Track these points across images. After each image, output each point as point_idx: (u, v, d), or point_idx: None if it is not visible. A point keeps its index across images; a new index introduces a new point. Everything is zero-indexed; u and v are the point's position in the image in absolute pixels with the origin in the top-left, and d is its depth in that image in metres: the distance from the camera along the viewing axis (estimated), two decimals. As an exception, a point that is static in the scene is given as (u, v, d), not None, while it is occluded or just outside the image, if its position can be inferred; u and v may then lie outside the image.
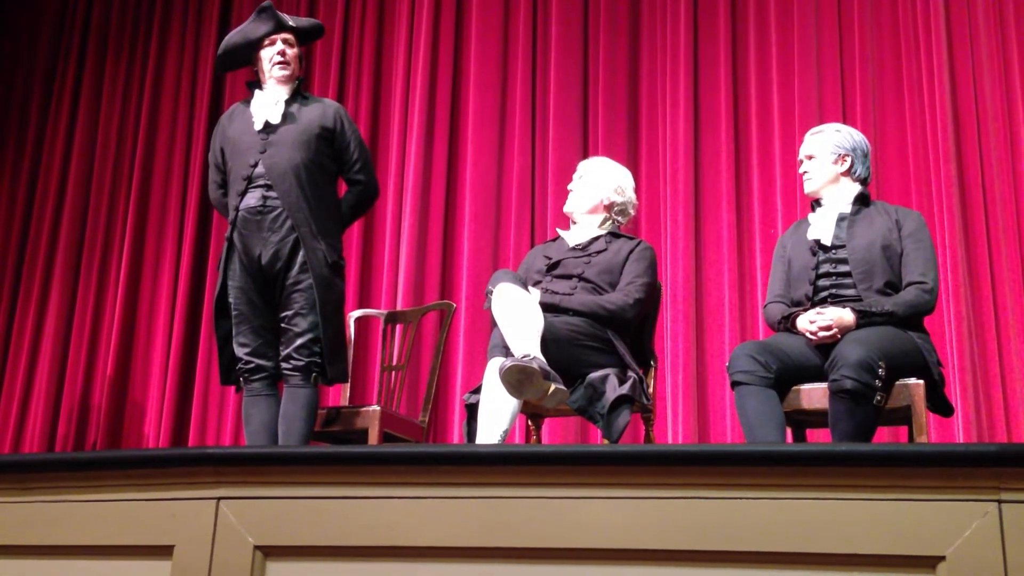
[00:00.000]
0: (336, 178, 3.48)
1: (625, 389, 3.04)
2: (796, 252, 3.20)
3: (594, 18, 5.37)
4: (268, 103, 3.42)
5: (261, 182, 3.32)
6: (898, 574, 1.63)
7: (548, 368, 2.87)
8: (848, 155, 3.20)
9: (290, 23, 3.47)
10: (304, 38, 3.55)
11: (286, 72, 3.43)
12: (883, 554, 1.62)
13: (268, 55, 3.44)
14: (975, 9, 4.77)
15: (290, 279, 3.27)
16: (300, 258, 3.26)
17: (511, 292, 3.05)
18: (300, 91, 3.49)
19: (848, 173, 3.21)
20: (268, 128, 3.38)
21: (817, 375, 2.90)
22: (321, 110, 3.44)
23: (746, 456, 1.75)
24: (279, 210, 3.28)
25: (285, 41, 3.44)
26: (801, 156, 3.28)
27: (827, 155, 3.20)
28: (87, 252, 5.85)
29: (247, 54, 3.50)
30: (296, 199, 3.28)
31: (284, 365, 3.27)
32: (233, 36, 3.55)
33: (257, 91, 3.46)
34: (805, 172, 3.25)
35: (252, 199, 3.31)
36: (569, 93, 5.25)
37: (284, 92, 3.44)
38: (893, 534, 1.62)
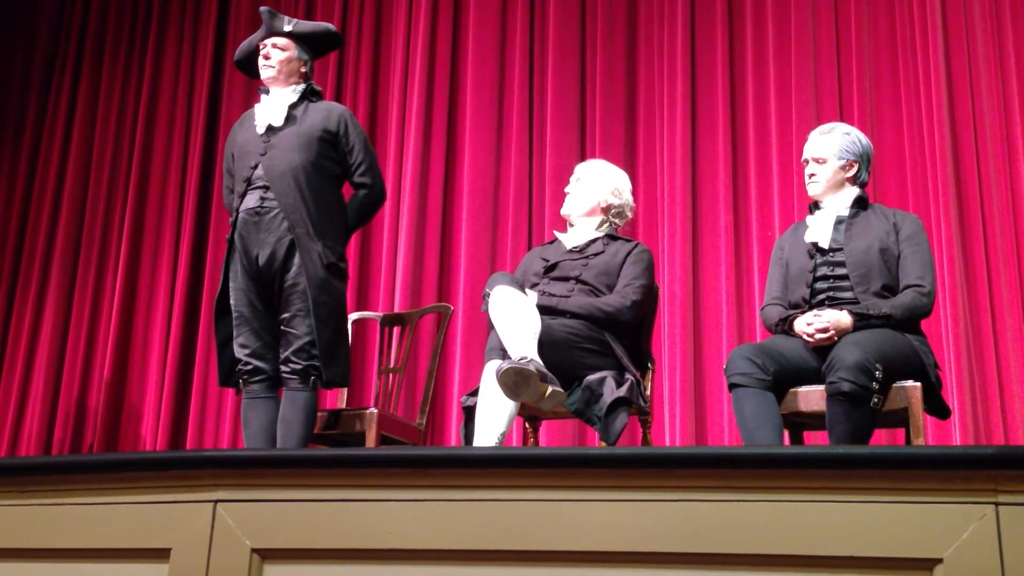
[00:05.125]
0: (341, 181, 3.48)
1: (623, 391, 3.05)
2: (794, 254, 3.20)
3: (591, 21, 5.37)
4: (272, 107, 3.43)
5: (260, 184, 3.33)
6: (895, 576, 1.63)
7: (545, 370, 2.87)
8: (856, 162, 3.20)
9: (285, 27, 3.47)
10: (310, 44, 3.53)
11: (269, 72, 3.44)
12: (880, 556, 1.62)
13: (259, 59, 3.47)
14: (971, 13, 4.77)
15: (288, 281, 3.27)
16: (297, 260, 3.26)
17: (508, 295, 3.05)
18: (308, 95, 3.48)
19: (852, 179, 3.21)
20: (270, 131, 3.39)
21: (814, 377, 2.90)
22: (325, 113, 3.44)
23: (743, 458, 1.75)
24: (276, 211, 3.28)
25: (273, 44, 3.45)
26: (807, 156, 3.24)
27: (836, 161, 3.18)
28: (84, 254, 5.85)
29: (256, 61, 3.52)
30: (293, 200, 3.28)
31: (283, 368, 3.27)
32: (241, 46, 3.59)
33: (264, 95, 3.47)
34: (812, 175, 3.22)
35: (251, 200, 3.32)
36: (566, 95, 5.25)
37: (290, 95, 3.45)
38: (890, 537, 1.62)
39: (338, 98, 5.55)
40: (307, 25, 3.55)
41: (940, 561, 1.59)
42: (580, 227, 3.53)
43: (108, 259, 5.82)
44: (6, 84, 6.33)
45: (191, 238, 5.64)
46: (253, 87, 3.56)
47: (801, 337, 2.97)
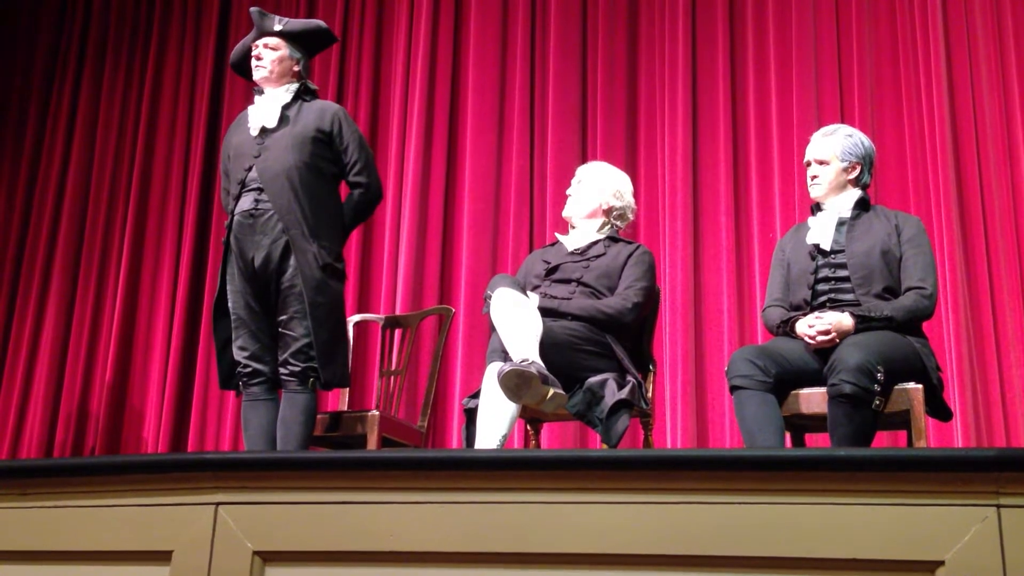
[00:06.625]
0: (337, 181, 3.47)
1: (624, 393, 3.05)
2: (795, 256, 3.20)
3: (593, 22, 5.38)
4: (265, 108, 3.42)
5: (254, 186, 3.32)
6: (897, 579, 1.63)
7: (547, 372, 2.87)
8: (859, 164, 3.20)
9: (275, 27, 3.47)
10: (302, 42, 3.52)
11: (262, 73, 3.44)
12: (882, 559, 1.62)
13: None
14: (973, 16, 4.78)
15: (284, 283, 3.27)
16: (293, 261, 3.25)
17: (510, 297, 3.05)
18: (303, 94, 3.48)
19: (854, 181, 3.21)
20: (264, 133, 3.39)
21: (816, 379, 2.90)
22: (319, 113, 3.43)
23: (745, 461, 1.75)
24: (270, 213, 3.28)
25: (264, 44, 3.45)
26: (809, 158, 3.24)
27: (839, 162, 3.19)
28: (85, 257, 5.86)
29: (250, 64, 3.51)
30: (287, 202, 3.27)
31: (282, 370, 3.26)
32: (235, 49, 3.60)
33: (258, 97, 3.47)
34: (815, 177, 3.22)
35: (245, 203, 3.32)
36: (568, 97, 5.25)
37: (284, 96, 3.44)
38: (892, 539, 1.62)
39: (339, 100, 5.55)
40: (297, 23, 3.53)
41: (942, 563, 1.59)
42: (581, 229, 3.53)
43: (110, 262, 5.83)
44: (7, 89, 6.34)
45: (192, 241, 5.65)
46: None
47: (803, 339, 2.97)
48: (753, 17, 5.11)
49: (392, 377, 3.89)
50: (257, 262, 3.29)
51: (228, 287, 3.36)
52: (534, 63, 5.39)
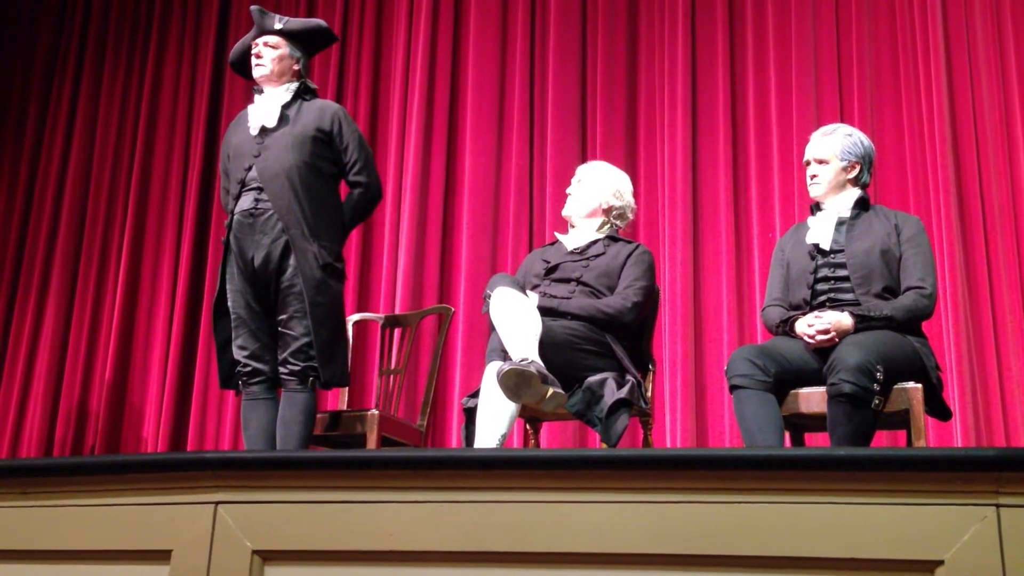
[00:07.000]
0: (336, 180, 3.47)
1: (623, 393, 3.05)
2: (795, 255, 3.20)
3: (592, 22, 5.38)
4: (265, 107, 3.42)
5: (254, 185, 3.32)
6: (896, 579, 1.63)
7: (546, 372, 2.87)
8: (858, 163, 3.20)
9: (276, 25, 3.46)
10: (302, 41, 3.52)
11: (262, 72, 3.43)
12: (881, 558, 1.62)
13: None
14: (972, 16, 4.78)
15: (284, 282, 3.27)
16: (292, 261, 3.25)
17: (509, 296, 3.05)
18: (302, 93, 3.48)
19: (854, 180, 3.21)
20: (264, 132, 3.38)
21: (815, 379, 2.90)
22: (319, 112, 3.43)
23: (744, 460, 1.75)
24: (270, 212, 3.28)
25: (265, 42, 3.45)
26: (809, 157, 3.24)
27: (839, 162, 3.19)
28: (85, 256, 5.86)
29: (250, 62, 3.51)
30: (287, 202, 3.27)
31: (281, 370, 3.26)
32: (235, 47, 3.59)
33: (258, 96, 3.47)
34: (814, 176, 3.22)
35: (245, 202, 3.32)
36: (567, 97, 5.25)
37: (283, 95, 3.44)
38: (891, 538, 1.62)
39: (339, 99, 5.55)
40: (297, 22, 3.53)
41: (941, 563, 1.59)
42: (581, 228, 3.53)
43: (109, 260, 5.83)
44: (7, 89, 6.33)
45: (192, 240, 5.64)
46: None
47: (802, 338, 2.97)
48: (753, 17, 5.11)
49: (392, 376, 3.89)
50: (257, 262, 3.29)
51: (228, 286, 3.36)
52: (534, 63, 5.39)
